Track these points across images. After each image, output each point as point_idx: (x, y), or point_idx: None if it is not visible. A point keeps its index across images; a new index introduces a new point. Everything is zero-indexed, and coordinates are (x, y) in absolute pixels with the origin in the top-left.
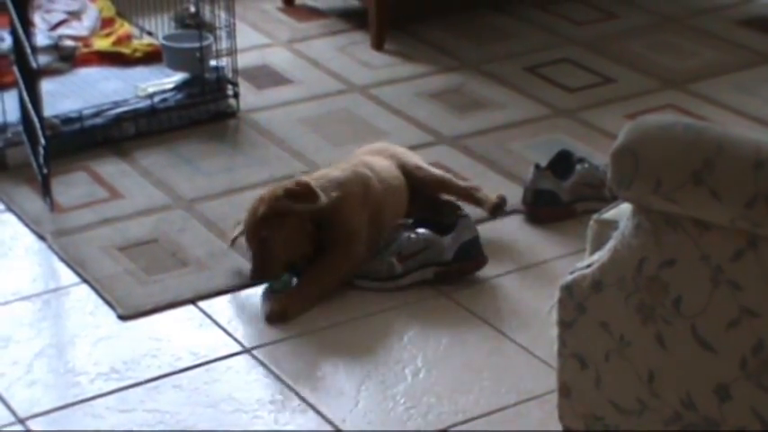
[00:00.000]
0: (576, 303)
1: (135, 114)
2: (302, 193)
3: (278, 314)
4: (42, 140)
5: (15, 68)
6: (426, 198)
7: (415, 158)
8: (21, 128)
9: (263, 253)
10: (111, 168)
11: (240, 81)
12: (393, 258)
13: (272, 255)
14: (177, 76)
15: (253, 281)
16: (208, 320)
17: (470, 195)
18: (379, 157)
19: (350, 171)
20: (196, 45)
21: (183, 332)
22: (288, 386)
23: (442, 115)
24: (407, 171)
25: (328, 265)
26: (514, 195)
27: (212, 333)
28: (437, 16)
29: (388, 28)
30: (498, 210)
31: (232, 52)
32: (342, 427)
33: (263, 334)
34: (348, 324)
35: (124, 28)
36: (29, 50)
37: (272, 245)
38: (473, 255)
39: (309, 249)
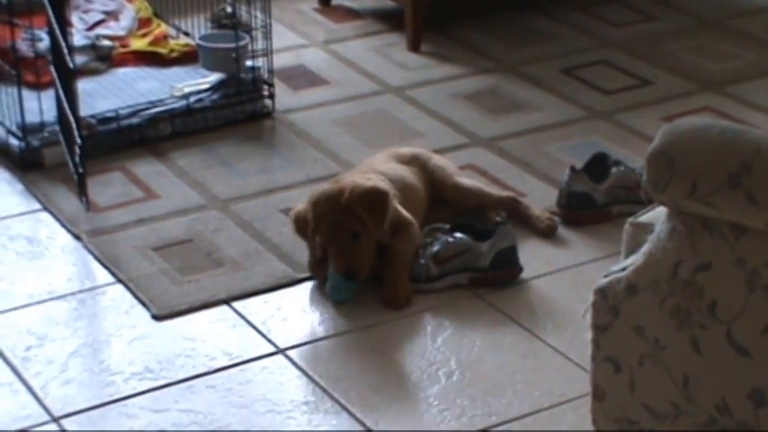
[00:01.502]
0: (611, 307)
1: (171, 114)
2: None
3: (403, 303)
4: (79, 140)
5: (52, 68)
6: (466, 210)
7: (449, 170)
8: (57, 127)
9: (356, 250)
10: (146, 168)
11: (276, 82)
12: (429, 261)
13: (364, 252)
14: (213, 77)
15: (346, 277)
16: (242, 321)
17: (515, 209)
18: (393, 162)
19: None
20: (232, 45)
21: (218, 332)
22: (321, 387)
23: (478, 117)
24: (441, 185)
25: (402, 251)
26: (549, 197)
27: (246, 334)
28: (473, 18)
29: (424, 29)
30: (552, 232)
31: (268, 53)
32: (374, 428)
33: (297, 335)
34: (382, 325)
35: (161, 28)
36: (66, 50)
37: (363, 242)
38: (509, 263)
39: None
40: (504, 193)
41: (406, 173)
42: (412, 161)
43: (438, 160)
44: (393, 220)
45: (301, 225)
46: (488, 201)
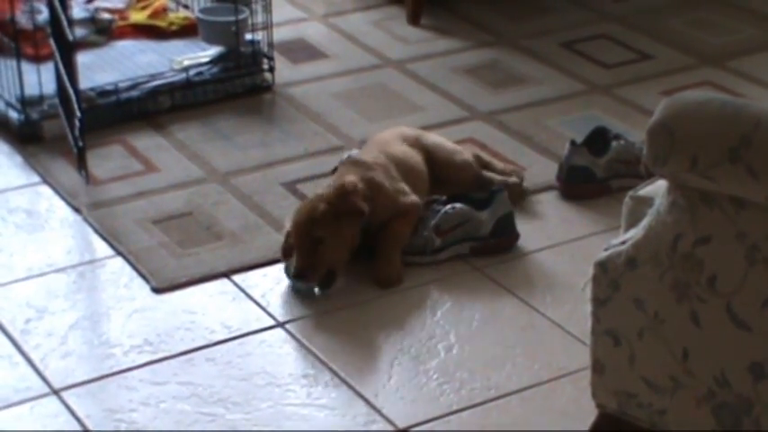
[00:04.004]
0: (611, 280)
1: (170, 88)
2: (358, 197)
3: (393, 283)
4: (78, 113)
5: (52, 41)
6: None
7: (444, 146)
8: (57, 100)
9: (313, 254)
10: (146, 141)
11: (276, 55)
12: (432, 233)
13: (321, 257)
14: (213, 50)
15: (293, 278)
16: (241, 294)
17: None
18: (404, 145)
19: (369, 162)
20: (232, 18)
21: (217, 305)
22: (320, 360)
23: (478, 91)
24: (436, 162)
25: (401, 233)
26: (549, 171)
27: (246, 307)
28: None
29: (424, 2)
30: (521, 198)
31: (268, 26)
32: (374, 402)
33: (297, 308)
34: (381, 299)
35: (160, 1)
36: (65, 23)
37: (324, 247)
38: (508, 230)
39: (349, 256)
40: (499, 166)
41: (414, 155)
42: (416, 143)
43: (434, 139)
44: (395, 206)
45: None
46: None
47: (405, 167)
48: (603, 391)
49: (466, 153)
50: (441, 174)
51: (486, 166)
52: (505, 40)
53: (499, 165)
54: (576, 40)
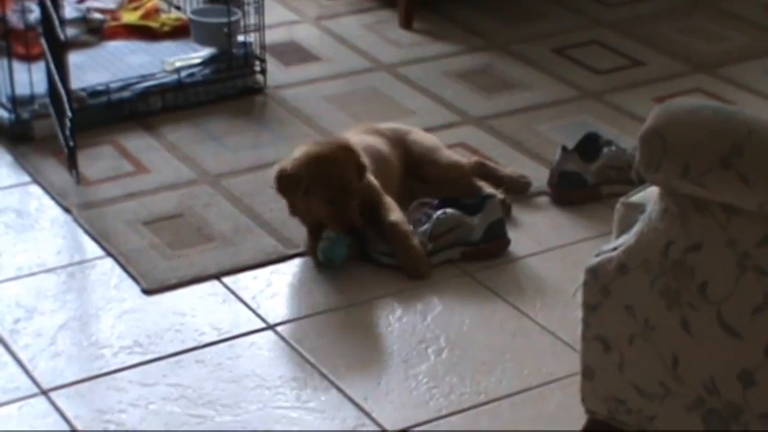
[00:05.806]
0: (601, 286)
1: (162, 89)
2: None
3: (425, 271)
4: (69, 113)
5: (43, 40)
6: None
7: (424, 143)
8: (48, 100)
9: (354, 206)
10: (137, 142)
11: (267, 57)
12: (424, 238)
13: (355, 205)
14: (205, 51)
15: (351, 233)
16: (232, 296)
17: (484, 173)
18: (365, 134)
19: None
20: (224, 20)
21: (207, 307)
22: (310, 363)
23: (469, 95)
24: (414, 156)
25: (401, 222)
26: (540, 177)
27: (236, 309)
28: None
29: (416, 6)
30: (527, 189)
31: (260, 28)
32: (364, 405)
33: (287, 311)
34: (372, 303)
35: (152, 2)
36: (57, 23)
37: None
38: (499, 235)
39: None
40: (474, 159)
41: (380, 144)
42: (386, 133)
43: (416, 135)
44: (373, 193)
45: (291, 184)
46: (462, 172)
47: (368, 151)
48: (593, 396)
49: (457, 156)
50: (422, 171)
51: (490, 173)
52: (497, 44)
53: (505, 171)
54: (568, 45)
